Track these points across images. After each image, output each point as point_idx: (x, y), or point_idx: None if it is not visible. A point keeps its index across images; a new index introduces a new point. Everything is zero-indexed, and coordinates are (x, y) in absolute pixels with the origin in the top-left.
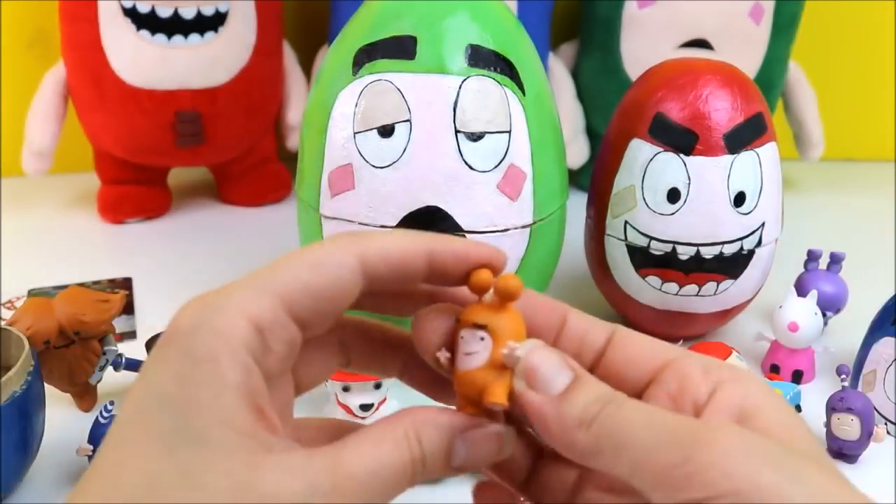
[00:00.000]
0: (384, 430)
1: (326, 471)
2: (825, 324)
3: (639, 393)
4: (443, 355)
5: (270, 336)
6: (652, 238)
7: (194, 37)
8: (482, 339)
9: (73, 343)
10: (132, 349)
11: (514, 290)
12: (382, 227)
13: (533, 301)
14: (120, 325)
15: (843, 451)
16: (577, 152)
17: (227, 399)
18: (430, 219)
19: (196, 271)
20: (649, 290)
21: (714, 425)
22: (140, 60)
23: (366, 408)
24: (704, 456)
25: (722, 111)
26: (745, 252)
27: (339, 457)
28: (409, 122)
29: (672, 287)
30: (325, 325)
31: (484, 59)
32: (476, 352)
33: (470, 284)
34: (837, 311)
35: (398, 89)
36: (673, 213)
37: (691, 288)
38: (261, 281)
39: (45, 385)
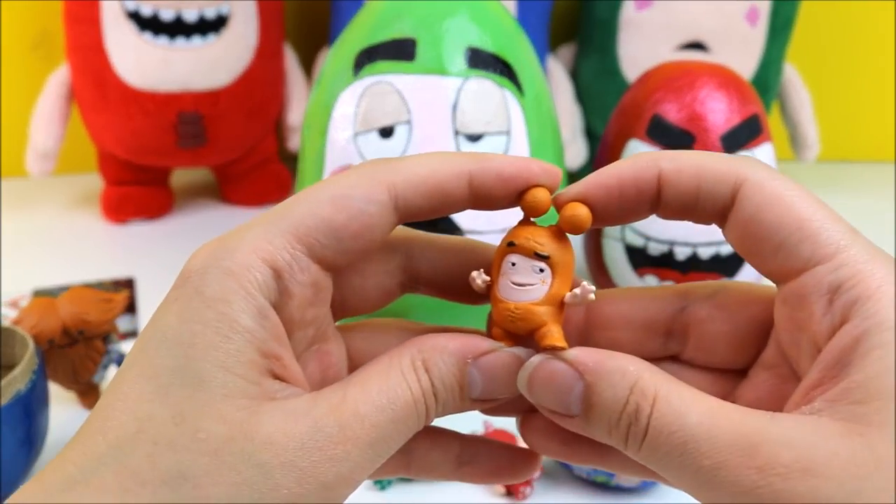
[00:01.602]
0: (390, 362)
1: (330, 412)
2: None
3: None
4: (480, 277)
5: (289, 278)
6: (649, 238)
7: (196, 39)
8: (541, 270)
9: (77, 342)
10: None
11: (583, 222)
12: None
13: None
14: (123, 324)
15: None
16: (576, 153)
17: (235, 342)
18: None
19: None
20: None
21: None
22: (142, 62)
23: None
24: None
25: (719, 113)
26: None
27: (343, 396)
28: (409, 123)
29: None
30: (352, 261)
31: (483, 60)
32: (532, 284)
33: (524, 204)
34: None
35: (398, 91)
36: None
37: None
38: (277, 218)
39: (50, 383)
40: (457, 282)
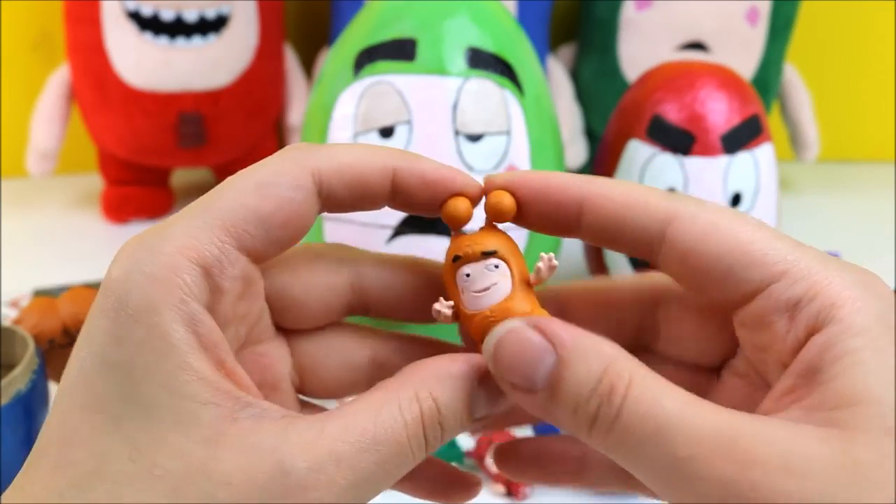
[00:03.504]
0: (385, 396)
1: (301, 449)
2: None
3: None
4: (443, 306)
5: (219, 274)
6: None
7: (197, 39)
8: (496, 266)
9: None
10: None
11: (506, 210)
12: (383, 226)
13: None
14: None
15: None
16: (576, 153)
17: (174, 360)
18: (429, 219)
19: None
20: None
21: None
22: (143, 62)
23: None
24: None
25: (719, 113)
26: None
27: (321, 431)
28: (409, 124)
29: None
30: (279, 251)
31: (483, 60)
32: (494, 283)
33: (445, 215)
34: None
35: (398, 91)
36: None
37: None
38: (201, 211)
39: (50, 383)
40: (407, 301)
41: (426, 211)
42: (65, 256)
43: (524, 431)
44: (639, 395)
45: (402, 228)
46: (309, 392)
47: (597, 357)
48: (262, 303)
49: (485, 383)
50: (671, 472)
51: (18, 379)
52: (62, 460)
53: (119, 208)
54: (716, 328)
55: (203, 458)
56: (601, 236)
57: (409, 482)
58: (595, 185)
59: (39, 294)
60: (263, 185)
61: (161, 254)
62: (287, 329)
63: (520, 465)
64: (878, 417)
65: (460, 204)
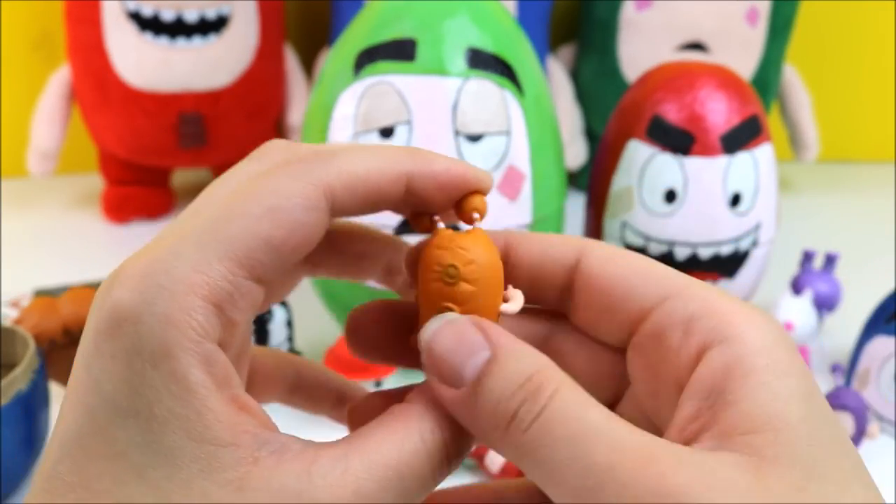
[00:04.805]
0: (406, 427)
1: (327, 490)
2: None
3: (621, 357)
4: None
5: (231, 309)
6: (649, 238)
7: (197, 39)
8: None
9: (78, 342)
10: None
11: (482, 212)
12: (383, 227)
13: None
14: None
15: None
16: (576, 153)
17: (193, 405)
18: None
19: None
20: None
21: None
22: (143, 63)
23: None
24: None
25: (718, 113)
26: (741, 252)
27: (345, 469)
28: (409, 124)
29: None
30: (287, 270)
31: (483, 60)
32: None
33: (464, 212)
34: (831, 310)
35: (398, 91)
36: (670, 214)
37: None
38: (212, 239)
39: (51, 384)
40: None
41: (436, 210)
42: (65, 256)
43: None
44: (564, 400)
45: (403, 229)
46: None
47: (530, 359)
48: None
49: None
50: (586, 480)
51: (19, 379)
52: None
53: (119, 208)
54: (606, 364)
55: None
56: (526, 280)
57: (299, 395)
58: (515, 236)
59: (40, 294)
60: (275, 210)
61: (172, 292)
62: None
63: (370, 342)
64: (787, 445)
65: (479, 203)
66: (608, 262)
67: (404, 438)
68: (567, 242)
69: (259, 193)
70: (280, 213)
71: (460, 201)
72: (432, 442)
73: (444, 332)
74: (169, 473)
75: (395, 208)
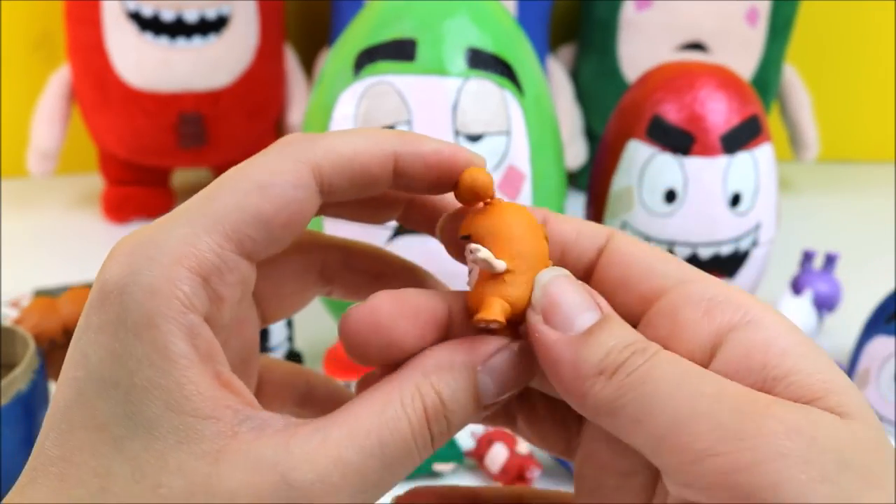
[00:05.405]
0: (387, 397)
1: (305, 460)
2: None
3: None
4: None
5: (218, 282)
6: (649, 238)
7: (197, 39)
8: (472, 251)
9: None
10: None
11: (486, 188)
12: (384, 226)
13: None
14: None
15: None
16: (576, 153)
17: (174, 376)
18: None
19: None
20: None
21: (777, 414)
22: (143, 63)
23: None
24: (753, 459)
25: (718, 113)
26: (741, 252)
27: (324, 439)
28: (409, 124)
29: None
30: (279, 251)
31: (483, 60)
32: (471, 269)
33: (460, 193)
34: (831, 310)
35: (398, 91)
36: (670, 214)
37: None
38: (200, 214)
39: (51, 383)
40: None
41: (426, 191)
42: (65, 256)
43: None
44: (669, 354)
45: (403, 228)
46: (268, 318)
47: (633, 330)
48: (251, 295)
49: (491, 368)
50: (696, 404)
51: (19, 379)
52: (65, 481)
53: (119, 208)
54: (563, 415)
55: (206, 476)
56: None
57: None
58: (553, 215)
59: (40, 294)
60: (264, 186)
61: (159, 263)
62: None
63: (545, 429)
64: (855, 406)
65: (479, 175)
66: (633, 244)
67: (385, 405)
68: (599, 226)
69: (248, 172)
70: (268, 188)
71: (458, 181)
72: (412, 408)
73: (562, 281)
74: (146, 444)
75: (384, 189)
